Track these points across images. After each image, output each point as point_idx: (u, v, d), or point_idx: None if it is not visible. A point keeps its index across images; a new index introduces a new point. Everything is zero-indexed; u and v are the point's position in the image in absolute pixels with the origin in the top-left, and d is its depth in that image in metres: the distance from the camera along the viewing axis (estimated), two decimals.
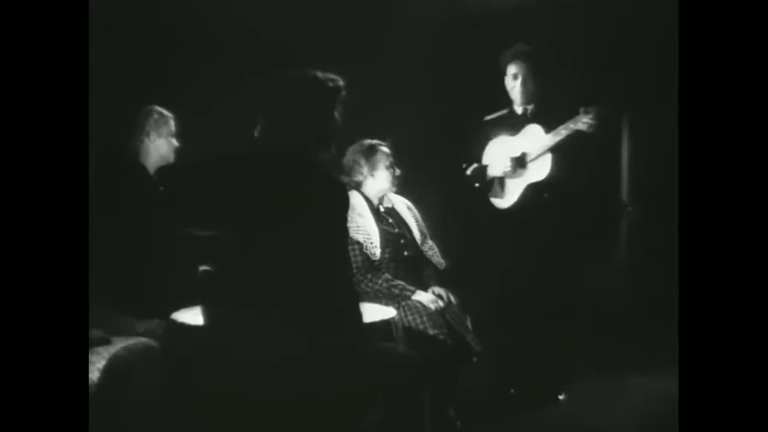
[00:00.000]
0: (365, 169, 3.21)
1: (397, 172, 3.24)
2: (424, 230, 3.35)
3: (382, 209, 3.27)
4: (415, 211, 3.40)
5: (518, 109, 3.57)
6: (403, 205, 3.37)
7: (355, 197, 3.19)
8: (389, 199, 3.34)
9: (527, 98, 3.52)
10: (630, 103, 4.32)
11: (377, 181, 3.22)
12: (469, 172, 3.58)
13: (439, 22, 4.45)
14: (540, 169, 3.43)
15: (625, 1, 4.32)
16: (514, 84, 3.51)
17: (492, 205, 3.56)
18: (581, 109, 3.32)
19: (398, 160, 3.28)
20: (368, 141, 3.23)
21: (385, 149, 3.23)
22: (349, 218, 3.09)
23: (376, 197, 3.25)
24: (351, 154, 3.23)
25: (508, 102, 3.61)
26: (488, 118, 3.65)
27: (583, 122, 3.29)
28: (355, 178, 3.22)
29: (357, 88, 2.27)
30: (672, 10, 1.99)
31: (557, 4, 4.39)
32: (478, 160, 3.59)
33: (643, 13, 4.26)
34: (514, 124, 3.54)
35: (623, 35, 4.38)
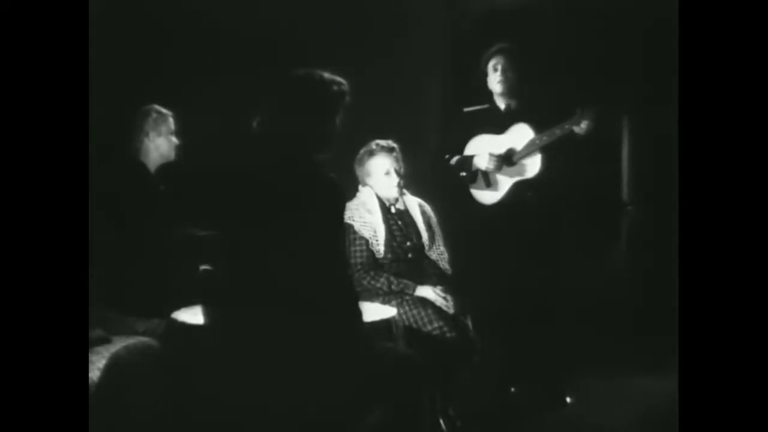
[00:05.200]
0: (360, 172, 3.22)
1: (402, 172, 3.21)
2: (437, 236, 3.32)
3: (393, 210, 3.26)
4: (432, 215, 3.37)
5: (500, 105, 3.56)
6: (417, 209, 3.33)
7: (367, 193, 3.20)
8: (403, 201, 3.32)
9: (509, 91, 3.50)
10: (630, 103, 4.32)
11: (385, 182, 3.20)
12: (453, 162, 3.57)
13: (447, 22, 4.46)
14: (530, 168, 3.43)
15: (625, 3, 4.33)
16: (495, 76, 3.50)
17: (476, 199, 3.55)
18: (578, 110, 3.32)
19: (408, 161, 3.26)
20: (377, 141, 3.22)
21: (394, 151, 3.22)
22: (357, 214, 3.12)
23: (386, 197, 3.24)
24: (360, 155, 3.23)
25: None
26: (468, 109, 3.63)
27: (581, 126, 3.29)
28: (365, 178, 3.22)
29: (367, 88, 2.26)
30: (672, 9, 1.99)
31: (559, 4, 4.39)
32: (460, 152, 3.58)
33: (643, 13, 4.26)
34: (496, 120, 3.53)
35: (623, 35, 4.38)
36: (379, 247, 3.12)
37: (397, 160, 3.20)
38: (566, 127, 3.32)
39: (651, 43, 4.25)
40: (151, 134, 3.03)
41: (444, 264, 3.29)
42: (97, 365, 2.39)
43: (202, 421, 2.23)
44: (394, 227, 3.20)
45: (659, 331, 3.64)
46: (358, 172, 3.24)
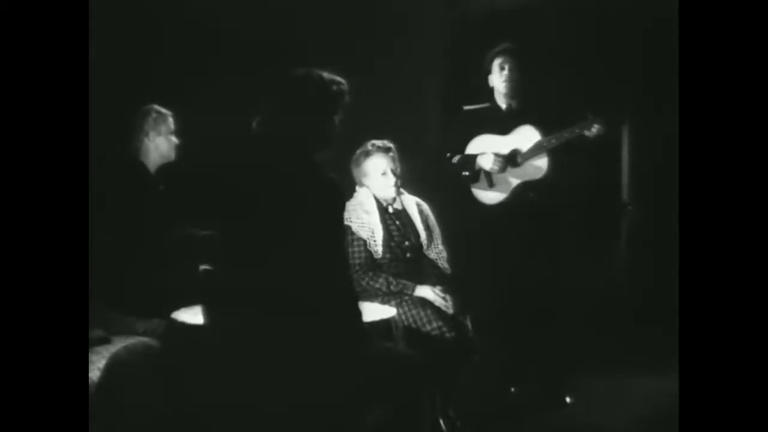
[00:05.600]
0: (357, 173, 3.21)
1: (398, 172, 3.21)
2: (435, 235, 3.31)
3: (391, 210, 3.26)
4: (430, 214, 3.37)
5: (501, 104, 3.56)
6: (415, 208, 3.32)
7: (365, 194, 3.19)
8: (400, 201, 3.31)
9: (512, 92, 3.49)
10: (634, 104, 4.32)
11: (381, 182, 3.20)
12: (455, 160, 3.56)
13: (448, 22, 4.46)
14: (535, 169, 3.43)
15: (625, 3, 4.33)
16: (500, 75, 3.49)
17: (478, 199, 3.54)
18: (589, 115, 3.31)
19: (406, 160, 3.25)
20: (374, 142, 3.22)
21: (390, 151, 3.21)
22: (355, 215, 3.12)
23: (383, 197, 3.24)
24: (357, 155, 3.23)
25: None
26: (468, 107, 3.63)
27: (592, 130, 3.28)
28: (362, 179, 3.22)
29: (367, 88, 2.25)
30: (671, 10, 1.99)
31: (559, 5, 4.39)
32: (462, 151, 3.57)
33: (642, 13, 4.26)
34: (497, 120, 3.53)
35: (623, 36, 4.38)
36: (377, 247, 3.11)
37: (393, 160, 3.20)
38: (576, 131, 3.32)
39: (651, 43, 4.25)
40: (151, 134, 3.03)
41: (443, 263, 3.29)
42: (97, 365, 2.39)
43: (201, 421, 2.23)
44: (392, 227, 3.20)
45: (659, 331, 3.64)
46: (355, 172, 3.23)
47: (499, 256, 3.51)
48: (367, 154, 3.20)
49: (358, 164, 3.21)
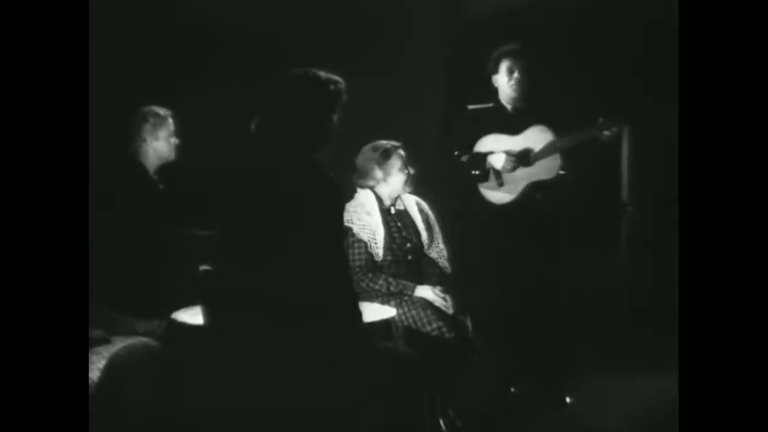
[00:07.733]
0: (379, 173, 3.18)
1: (411, 171, 3.21)
2: (436, 234, 3.31)
3: (393, 210, 3.25)
4: (430, 213, 3.36)
5: (507, 105, 3.55)
6: (415, 208, 3.31)
7: (366, 195, 3.18)
8: (402, 201, 3.30)
9: (520, 94, 3.48)
10: (630, 104, 4.32)
11: (390, 183, 3.19)
12: (464, 158, 3.54)
13: (449, 22, 4.46)
14: (547, 169, 3.42)
15: (625, 3, 4.33)
16: (509, 79, 3.48)
17: (486, 199, 3.53)
18: (600, 120, 3.30)
19: (412, 160, 3.24)
20: (382, 143, 3.20)
21: (399, 151, 3.20)
22: (356, 216, 3.11)
23: (388, 198, 3.23)
24: (364, 156, 3.20)
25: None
26: (472, 107, 3.61)
27: (605, 134, 3.28)
28: (369, 181, 3.20)
29: (366, 89, 2.25)
30: (672, 11, 1.99)
31: (558, 5, 4.40)
32: (468, 150, 3.54)
33: (643, 14, 4.27)
34: (504, 120, 3.51)
35: (623, 36, 4.39)
36: (378, 249, 3.09)
37: (402, 158, 3.20)
38: (592, 132, 3.31)
39: (651, 43, 4.25)
40: (149, 138, 3.03)
41: (443, 262, 3.28)
42: (97, 365, 2.39)
43: (201, 422, 2.23)
44: (394, 228, 3.18)
45: (659, 331, 3.64)
46: (372, 173, 3.18)
47: (499, 256, 3.51)
48: (388, 153, 3.17)
49: (380, 164, 3.17)
